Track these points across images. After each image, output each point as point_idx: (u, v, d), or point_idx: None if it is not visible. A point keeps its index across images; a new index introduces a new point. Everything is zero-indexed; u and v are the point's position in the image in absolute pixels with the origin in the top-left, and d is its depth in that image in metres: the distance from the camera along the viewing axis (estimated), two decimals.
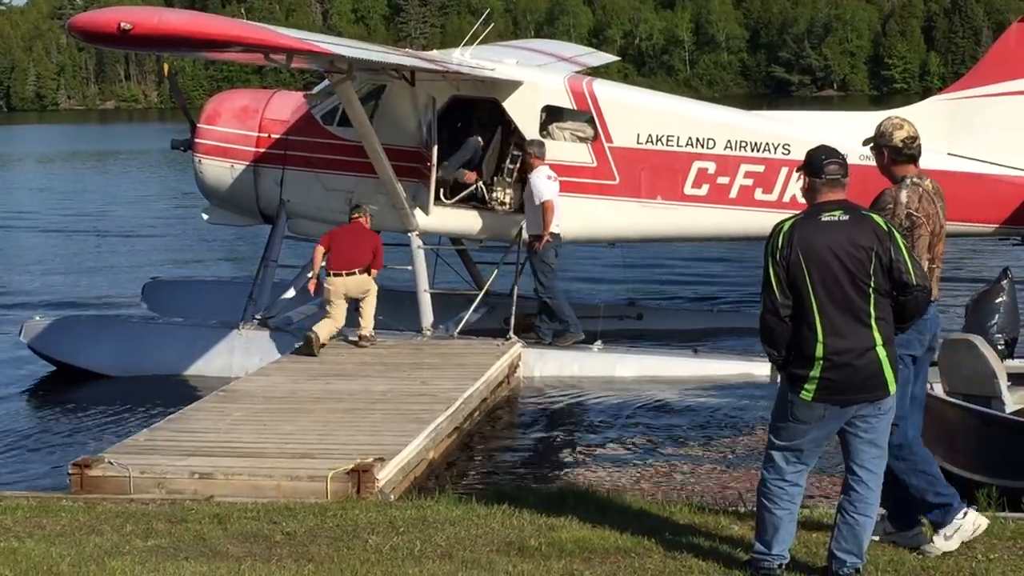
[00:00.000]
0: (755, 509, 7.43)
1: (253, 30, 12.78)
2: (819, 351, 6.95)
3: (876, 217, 7.15)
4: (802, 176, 7.26)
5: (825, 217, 7.03)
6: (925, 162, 16.37)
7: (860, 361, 6.94)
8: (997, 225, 16.03)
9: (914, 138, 7.98)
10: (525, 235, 16.22)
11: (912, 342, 7.65)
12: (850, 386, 6.97)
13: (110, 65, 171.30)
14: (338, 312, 15.66)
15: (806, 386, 7.01)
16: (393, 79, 16.31)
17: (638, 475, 12.43)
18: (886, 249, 6.96)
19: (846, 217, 7.02)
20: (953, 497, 7.68)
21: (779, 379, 7.35)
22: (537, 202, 15.91)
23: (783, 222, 7.14)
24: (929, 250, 7.78)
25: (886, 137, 7.98)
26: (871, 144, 8.07)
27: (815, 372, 6.98)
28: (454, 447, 12.91)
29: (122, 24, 11.40)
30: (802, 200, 7.39)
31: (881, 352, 6.98)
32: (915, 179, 7.89)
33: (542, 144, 16.19)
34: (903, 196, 7.79)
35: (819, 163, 7.16)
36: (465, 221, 16.84)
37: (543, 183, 15.90)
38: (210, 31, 12.31)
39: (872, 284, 6.95)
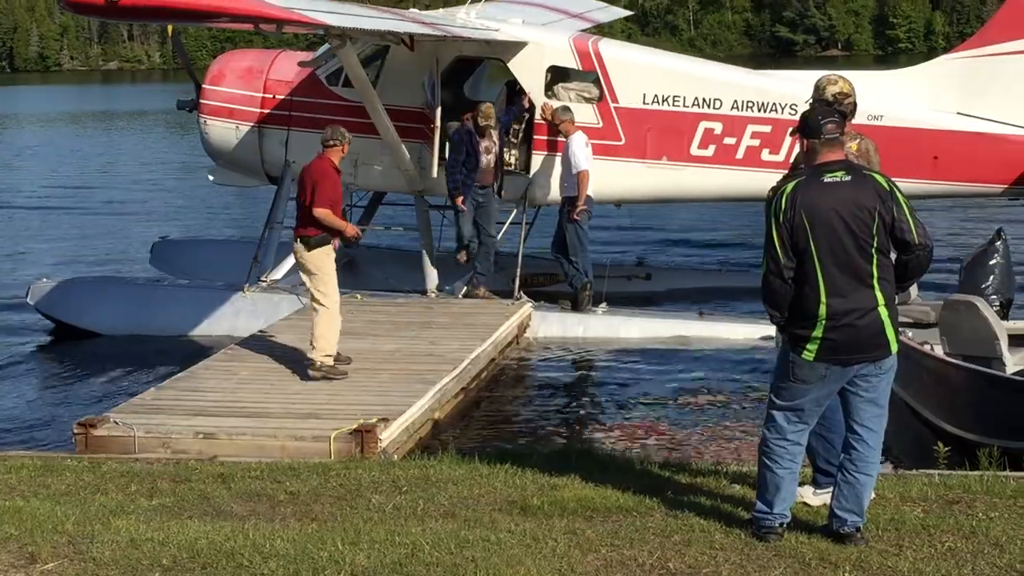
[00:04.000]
0: (756, 469, 7.46)
1: (240, 1, 12.56)
2: (822, 312, 6.95)
3: (878, 176, 7.12)
4: (800, 139, 7.22)
5: (828, 178, 6.99)
6: (934, 121, 16.25)
7: (862, 321, 6.94)
8: (1006, 185, 15.95)
9: (847, 95, 7.93)
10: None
11: None
12: (852, 346, 6.97)
13: (113, 26, 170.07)
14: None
15: (808, 346, 7.01)
16: (393, 43, 16.24)
17: (640, 436, 12.47)
18: (888, 208, 6.93)
19: (848, 178, 6.99)
20: (835, 473, 7.47)
21: (781, 341, 7.36)
22: (574, 171, 15.93)
23: (785, 184, 7.11)
24: None
25: (819, 91, 7.96)
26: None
27: (817, 332, 6.97)
28: (460, 407, 12.94)
29: None
30: None
31: (883, 312, 6.98)
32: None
33: (569, 109, 16.14)
34: None
35: (817, 124, 7.10)
36: None
37: (581, 151, 15.92)
38: (197, 2, 12.15)
39: (875, 244, 6.93)
